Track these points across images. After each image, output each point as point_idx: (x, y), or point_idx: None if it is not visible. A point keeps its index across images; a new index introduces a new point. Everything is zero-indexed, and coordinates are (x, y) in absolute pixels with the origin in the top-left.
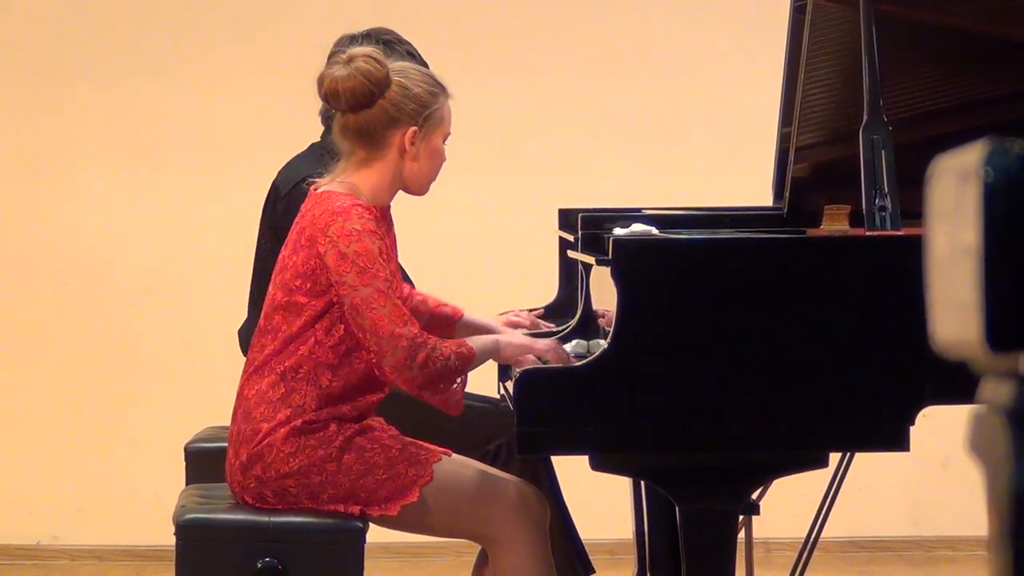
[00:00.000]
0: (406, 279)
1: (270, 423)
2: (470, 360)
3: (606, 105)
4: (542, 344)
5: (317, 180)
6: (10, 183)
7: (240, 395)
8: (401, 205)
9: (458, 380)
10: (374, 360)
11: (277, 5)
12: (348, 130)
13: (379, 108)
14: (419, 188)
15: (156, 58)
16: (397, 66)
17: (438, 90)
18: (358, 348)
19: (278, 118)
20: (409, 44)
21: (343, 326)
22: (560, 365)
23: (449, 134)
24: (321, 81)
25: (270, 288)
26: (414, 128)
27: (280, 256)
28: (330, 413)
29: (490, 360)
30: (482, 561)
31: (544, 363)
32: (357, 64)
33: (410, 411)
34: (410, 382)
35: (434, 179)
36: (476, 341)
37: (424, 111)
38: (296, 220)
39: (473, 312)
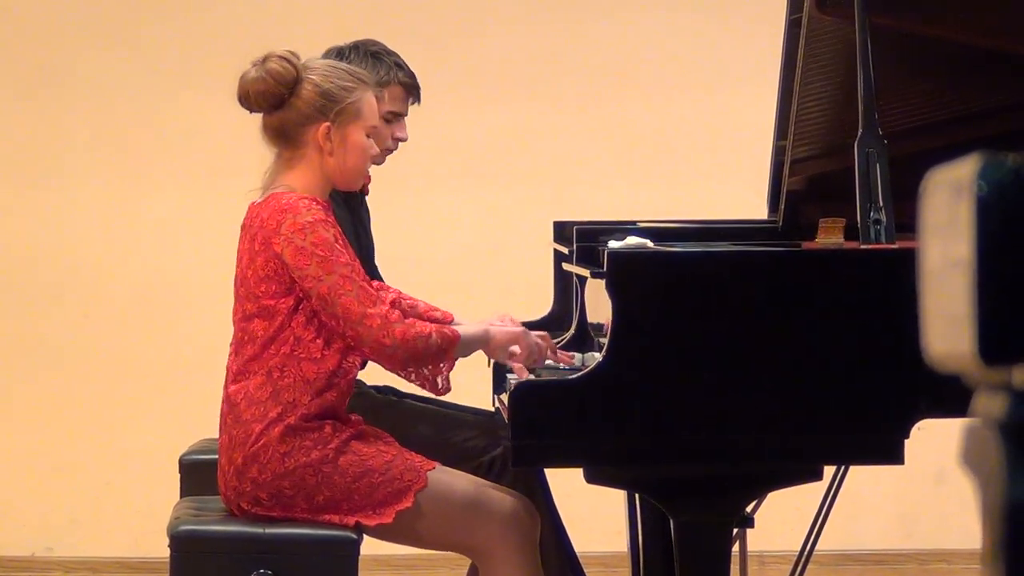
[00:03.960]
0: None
1: (262, 423)
2: (454, 341)
3: (601, 118)
4: (533, 336)
5: (258, 191)
6: (4, 194)
7: (226, 402)
8: (398, 215)
9: (443, 362)
10: (353, 344)
11: (271, 17)
12: (267, 130)
13: (291, 107)
14: (344, 183)
15: (150, 71)
16: (313, 64)
17: (353, 84)
18: (336, 336)
19: None
20: (397, 56)
21: (318, 319)
22: (552, 378)
23: (374, 127)
24: (238, 84)
25: (235, 304)
26: (327, 124)
27: (237, 272)
28: (320, 405)
29: (475, 365)
30: (473, 575)
31: (537, 374)
32: (268, 66)
33: (404, 423)
34: (392, 359)
35: (361, 173)
36: (463, 328)
37: (335, 106)
38: (243, 232)
39: (463, 319)
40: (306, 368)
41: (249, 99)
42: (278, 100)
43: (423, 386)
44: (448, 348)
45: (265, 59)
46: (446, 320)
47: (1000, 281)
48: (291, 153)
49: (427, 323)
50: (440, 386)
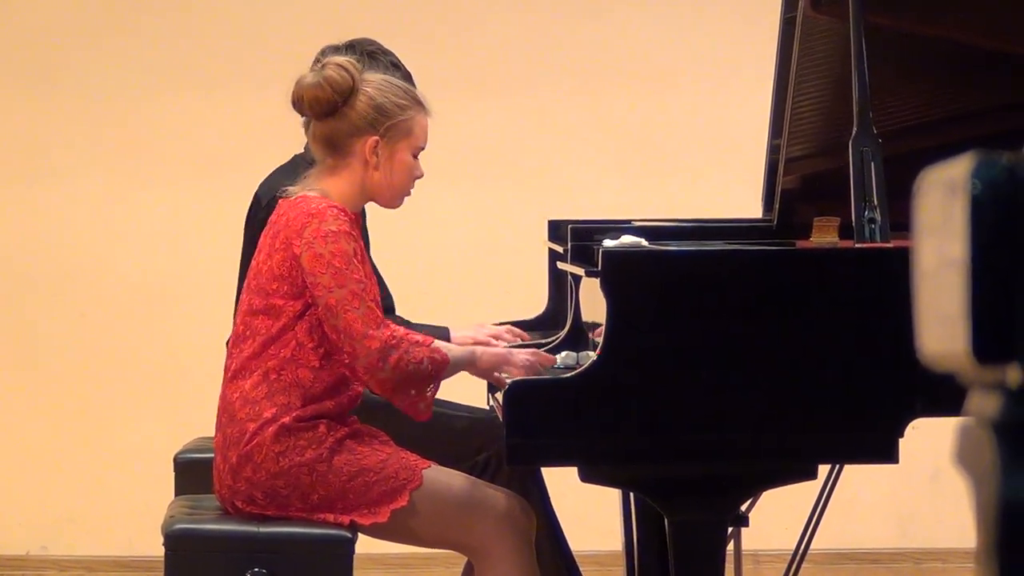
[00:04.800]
0: (387, 296)
1: (256, 422)
2: (444, 366)
3: (596, 117)
4: (520, 357)
5: (288, 189)
6: (1, 192)
7: (223, 400)
8: (392, 216)
9: (431, 386)
10: (347, 360)
11: (267, 16)
12: (316, 137)
13: (343, 117)
14: (386, 200)
15: (147, 68)
16: (371, 77)
17: (407, 103)
18: (337, 349)
19: (269, 128)
20: (393, 55)
21: (322, 328)
22: (547, 377)
23: (422, 148)
24: (294, 88)
25: (244, 296)
26: (375, 138)
27: (253, 263)
28: (315, 410)
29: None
30: (468, 573)
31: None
32: (326, 73)
33: (398, 421)
34: (382, 384)
35: (405, 193)
36: (452, 350)
37: (387, 121)
38: (268, 227)
39: (457, 330)
40: (303, 375)
41: (303, 104)
42: (331, 108)
43: (406, 410)
44: (438, 373)
45: (324, 65)
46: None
47: (994, 280)
48: (335, 162)
49: (419, 349)
50: (422, 411)
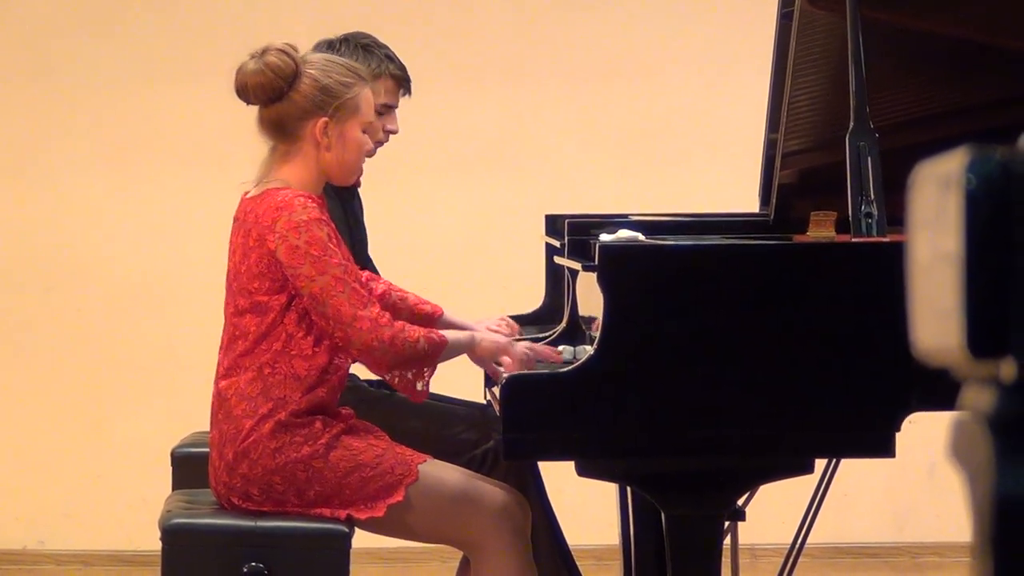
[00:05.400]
0: (373, 271)
1: (253, 419)
2: (441, 347)
3: (593, 111)
4: (519, 348)
5: (249, 183)
6: None
7: (217, 398)
8: (390, 210)
9: (427, 368)
10: (341, 344)
11: (264, 11)
12: (264, 123)
13: (289, 101)
14: (340, 178)
15: (142, 63)
16: (312, 58)
17: (352, 80)
18: (326, 334)
19: None
20: (387, 48)
21: (310, 316)
22: (544, 371)
23: (370, 123)
24: (236, 76)
25: (227, 298)
26: (325, 119)
27: (230, 264)
28: (310, 401)
29: (467, 359)
30: (464, 568)
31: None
32: (267, 59)
33: (397, 415)
34: (379, 363)
35: (357, 169)
36: (450, 333)
37: (334, 101)
38: (236, 226)
39: (455, 314)
40: (297, 365)
41: (247, 91)
42: (277, 93)
43: (402, 390)
44: (435, 353)
45: (264, 51)
46: (436, 314)
47: (988, 275)
48: (287, 147)
49: (416, 327)
50: (419, 390)
